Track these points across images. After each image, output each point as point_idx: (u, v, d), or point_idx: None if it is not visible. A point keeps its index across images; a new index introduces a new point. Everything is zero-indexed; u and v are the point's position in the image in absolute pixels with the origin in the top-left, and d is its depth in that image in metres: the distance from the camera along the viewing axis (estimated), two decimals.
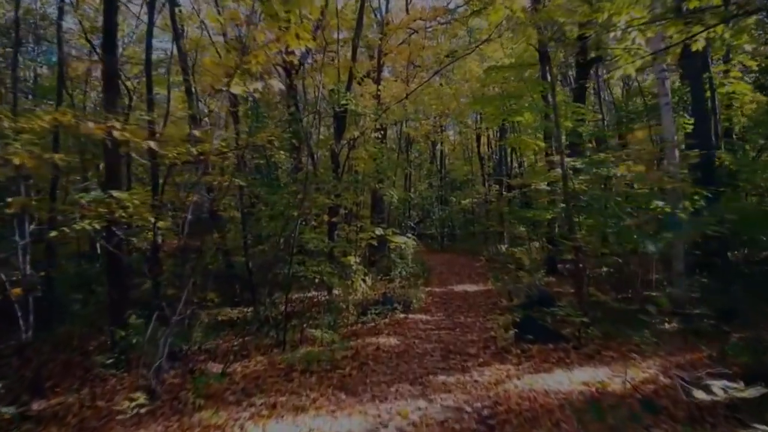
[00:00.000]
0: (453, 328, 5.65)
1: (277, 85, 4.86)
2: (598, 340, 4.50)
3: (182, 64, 7.61)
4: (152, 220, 4.83)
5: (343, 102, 6.15)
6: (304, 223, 7.70)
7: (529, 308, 5.49)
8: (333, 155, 9.31)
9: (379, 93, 9.78)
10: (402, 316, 6.30)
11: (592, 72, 12.65)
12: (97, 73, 12.07)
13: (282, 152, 7.02)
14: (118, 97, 6.30)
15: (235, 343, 5.67)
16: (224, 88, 4.02)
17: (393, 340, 4.95)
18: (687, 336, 4.69)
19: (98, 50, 10.07)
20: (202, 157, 4.43)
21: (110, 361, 4.50)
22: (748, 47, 8.54)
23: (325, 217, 5.47)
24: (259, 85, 4.09)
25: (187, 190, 5.06)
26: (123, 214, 4.41)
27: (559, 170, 8.25)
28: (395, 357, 4.26)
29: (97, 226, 4.36)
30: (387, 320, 6.14)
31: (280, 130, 6.93)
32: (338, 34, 11.50)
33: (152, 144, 4.06)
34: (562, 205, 9.75)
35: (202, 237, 5.83)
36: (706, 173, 6.16)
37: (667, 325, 5.50)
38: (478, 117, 21.59)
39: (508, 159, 20.74)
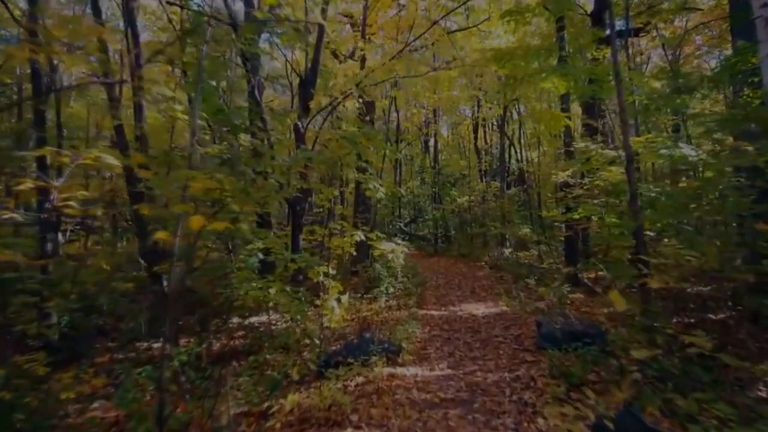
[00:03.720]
0: (469, 402, 3.37)
1: None
2: None
3: None
4: None
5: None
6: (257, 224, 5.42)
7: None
8: (296, 132, 7.00)
9: (363, 51, 7.48)
10: (385, 372, 4.00)
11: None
12: None
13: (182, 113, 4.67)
14: None
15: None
16: None
17: None
18: None
19: None
20: None
21: None
22: None
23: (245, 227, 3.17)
24: None
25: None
26: None
27: (608, 152, 6.07)
28: None
29: None
30: (361, 380, 3.85)
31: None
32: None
33: None
34: (599, 201, 7.58)
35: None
36: None
37: None
38: (476, 106, 19.40)
39: (506, 154, 18.54)
